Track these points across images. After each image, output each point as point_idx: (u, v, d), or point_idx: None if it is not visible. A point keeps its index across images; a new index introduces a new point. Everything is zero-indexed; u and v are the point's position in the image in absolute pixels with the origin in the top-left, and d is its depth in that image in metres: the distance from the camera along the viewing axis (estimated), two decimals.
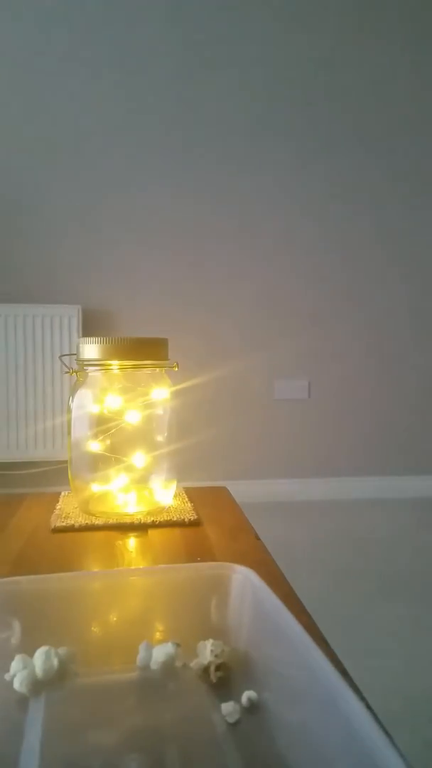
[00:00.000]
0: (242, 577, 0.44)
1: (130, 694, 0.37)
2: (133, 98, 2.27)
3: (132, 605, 0.46)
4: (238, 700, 0.36)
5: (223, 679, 0.39)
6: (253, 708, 0.36)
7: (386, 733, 0.27)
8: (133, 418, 0.76)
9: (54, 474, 2.12)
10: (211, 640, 0.41)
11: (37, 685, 0.37)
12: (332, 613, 1.40)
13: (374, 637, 1.34)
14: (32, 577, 0.44)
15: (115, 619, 0.45)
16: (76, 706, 0.37)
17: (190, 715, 0.36)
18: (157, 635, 0.44)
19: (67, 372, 0.80)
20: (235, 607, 0.44)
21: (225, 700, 0.36)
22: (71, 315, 2.16)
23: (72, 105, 2.24)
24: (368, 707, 0.33)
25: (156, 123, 2.29)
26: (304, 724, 0.33)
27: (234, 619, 0.43)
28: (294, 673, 0.35)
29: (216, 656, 0.40)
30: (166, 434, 0.79)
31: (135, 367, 0.76)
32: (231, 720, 0.35)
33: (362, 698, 0.36)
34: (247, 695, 0.37)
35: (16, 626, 0.41)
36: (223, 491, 0.92)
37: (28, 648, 0.40)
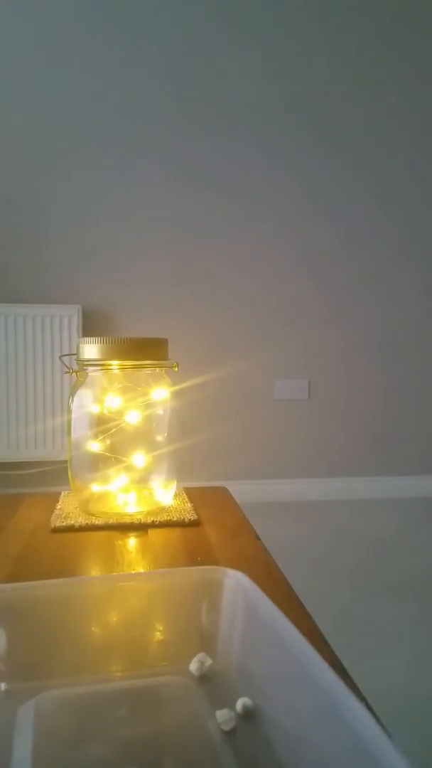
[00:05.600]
0: (234, 582, 0.43)
1: (123, 703, 0.36)
2: (132, 98, 2.27)
3: (121, 612, 0.44)
4: (232, 707, 0.36)
5: (217, 686, 0.38)
6: (248, 715, 0.35)
7: (388, 734, 0.26)
8: (133, 418, 0.76)
9: (54, 474, 2.12)
10: (198, 655, 0.40)
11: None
12: (332, 612, 1.40)
13: (374, 637, 1.34)
14: (18, 584, 0.43)
15: (103, 626, 0.44)
16: (67, 716, 0.35)
17: (184, 724, 0.35)
18: (150, 643, 0.43)
19: (67, 372, 0.80)
20: (227, 611, 0.43)
21: (219, 707, 0.36)
22: (71, 315, 2.16)
23: (70, 104, 2.24)
24: (368, 707, 0.33)
25: (154, 123, 2.28)
26: (303, 729, 0.32)
27: (226, 624, 0.43)
28: (290, 677, 0.34)
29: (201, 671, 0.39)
30: (166, 434, 0.79)
31: (135, 367, 0.76)
32: (226, 728, 0.34)
33: (362, 698, 0.36)
34: (241, 702, 0.36)
35: (2, 636, 0.40)
36: (223, 491, 0.92)
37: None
